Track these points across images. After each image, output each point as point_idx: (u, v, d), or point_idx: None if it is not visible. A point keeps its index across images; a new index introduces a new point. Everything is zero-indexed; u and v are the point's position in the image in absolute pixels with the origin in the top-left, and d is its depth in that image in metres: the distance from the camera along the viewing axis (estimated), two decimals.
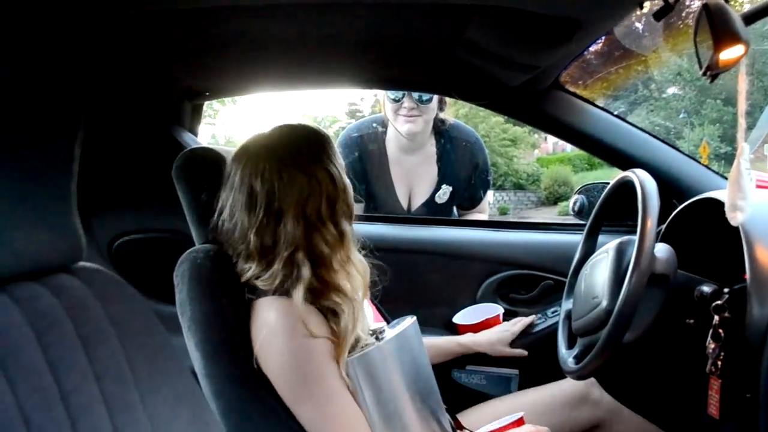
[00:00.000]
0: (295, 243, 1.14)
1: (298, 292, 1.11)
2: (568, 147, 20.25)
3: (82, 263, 0.86)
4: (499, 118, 17.20)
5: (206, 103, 2.17)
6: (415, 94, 2.18)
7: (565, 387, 1.62)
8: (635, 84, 17.36)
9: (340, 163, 1.22)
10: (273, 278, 1.14)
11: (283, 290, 1.14)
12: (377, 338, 1.20)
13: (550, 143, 21.91)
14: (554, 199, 15.82)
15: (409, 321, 1.30)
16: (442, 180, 2.33)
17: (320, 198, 1.15)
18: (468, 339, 1.74)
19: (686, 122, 16.80)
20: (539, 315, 1.91)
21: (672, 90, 17.77)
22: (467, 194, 2.40)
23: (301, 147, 1.19)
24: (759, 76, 14.89)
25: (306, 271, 1.13)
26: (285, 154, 1.17)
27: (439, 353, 1.68)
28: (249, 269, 1.17)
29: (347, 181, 1.22)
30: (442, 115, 2.30)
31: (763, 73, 14.91)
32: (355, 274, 1.20)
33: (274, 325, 1.11)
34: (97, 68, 1.50)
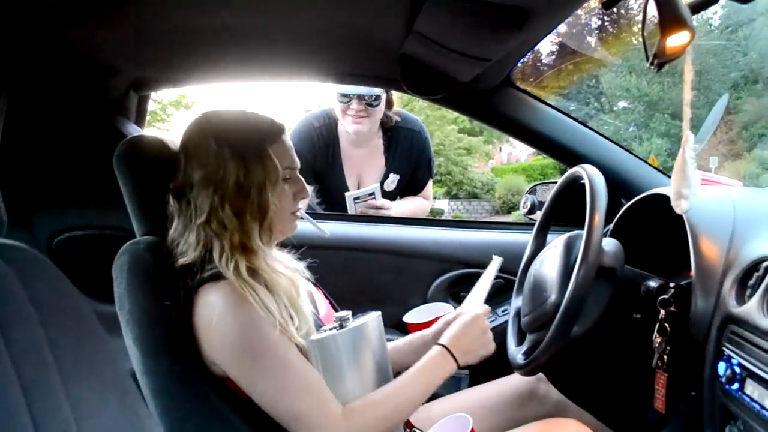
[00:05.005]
0: (204, 216, 1.16)
1: (229, 273, 1.12)
2: (522, 158, 20.65)
3: (2, 240, 0.80)
4: (454, 127, 17.40)
5: (159, 106, 2.13)
6: (364, 93, 2.21)
7: (513, 383, 1.61)
8: (587, 97, 17.82)
9: (272, 164, 1.20)
10: (194, 249, 1.16)
11: (220, 274, 1.13)
12: (341, 325, 1.19)
13: (504, 154, 22.27)
14: (508, 208, 16.05)
15: (373, 315, 1.28)
16: (389, 170, 2.42)
17: (226, 184, 1.16)
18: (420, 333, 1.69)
19: (635, 136, 17.29)
20: (490, 315, 1.90)
21: (622, 104, 18.29)
22: (412, 180, 2.48)
23: (235, 131, 1.21)
24: (705, 92, 15.44)
25: (218, 246, 1.15)
26: (213, 134, 1.19)
27: (413, 351, 1.56)
28: (186, 252, 1.17)
29: (268, 186, 1.20)
30: (388, 112, 2.37)
31: (708, 89, 15.46)
32: (275, 271, 1.20)
33: (218, 306, 1.11)
34: (29, 44, 1.44)
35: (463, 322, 1.33)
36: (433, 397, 1.63)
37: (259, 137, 1.21)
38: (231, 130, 1.21)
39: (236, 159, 1.16)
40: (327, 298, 1.45)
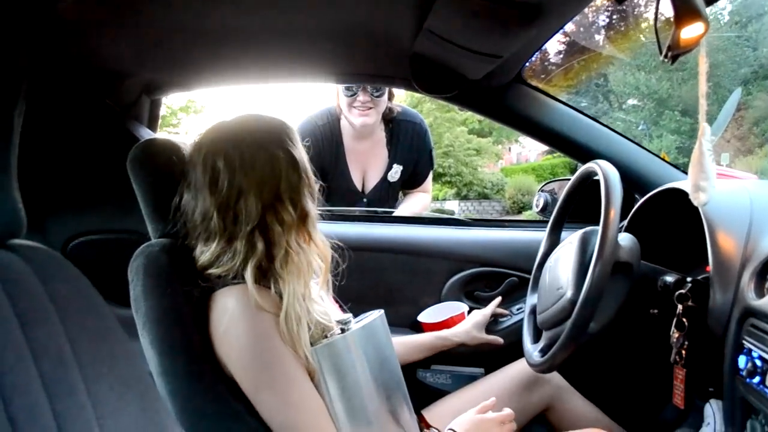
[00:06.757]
0: (253, 221, 1.15)
1: (249, 273, 1.12)
2: (532, 157, 20.59)
3: (21, 240, 0.80)
4: (463, 128, 17.38)
5: (170, 111, 2.13)
6: (369, 88, 2.30)
7: (518, 369, 1.62)
8: (596, 95, 17.74)
9: (301, 148, 1.23)
10: (233, 259, 1.15)
11: (240, 274, 1.14)
12: (343, 329, 1.20)
13: (514, 154, 22.22)
14: (518, 208, 16.02)
15: (376, 314, 1.29)
16: (392, 161, 2.49)
17: (280, 178, 1.17)
18: (447, 332, 1.73)
19: (645, 134, 17.20)
20: (506, 316, 1.90)
21: (631, 101, 18.21)
22: (415, 172, 2.55)
23: (262, 131, 1.21)
24: (714, 88, 15.34)
25: (259, 251, 1.15)
26: (246, 137, 1.19)
27: (422, 348, 1.68)
28: (208, 251, 1.17)
29: (308, 166, 1.23)
30: (389, 104, 2.43)
31: (718, 85, 15.35)
32: (313, 254, 1.22)
33: (234, 311, 1.11)
34: (43, 47, 1.45)
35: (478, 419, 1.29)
36: (445, 393, 1.64)
37: (282, 125, 1.24)
38: (262, 129, 1.22)
39: (280, 151, 1.18)
40: (337, 302, 1.45)
